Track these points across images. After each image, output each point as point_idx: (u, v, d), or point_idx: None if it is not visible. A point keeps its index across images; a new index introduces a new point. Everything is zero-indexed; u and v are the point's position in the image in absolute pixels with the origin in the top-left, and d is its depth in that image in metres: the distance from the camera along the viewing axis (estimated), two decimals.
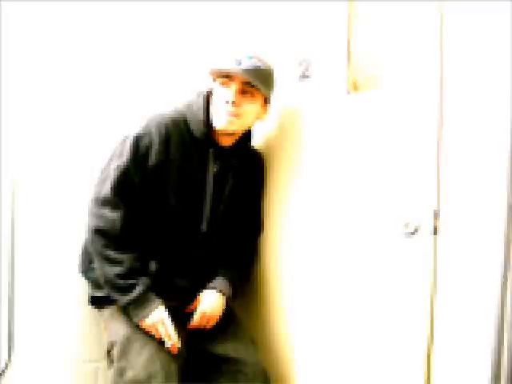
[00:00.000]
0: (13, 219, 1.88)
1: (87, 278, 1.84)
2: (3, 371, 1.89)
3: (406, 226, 1.41)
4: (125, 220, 1.68)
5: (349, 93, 1.63)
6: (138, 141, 1.70)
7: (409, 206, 1.42)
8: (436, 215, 1.37)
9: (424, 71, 1.39)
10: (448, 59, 1.34)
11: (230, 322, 1.83)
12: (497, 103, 1.23)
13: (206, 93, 1.77)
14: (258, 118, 1.79)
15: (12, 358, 1.90)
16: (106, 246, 1.67)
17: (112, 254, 1.67)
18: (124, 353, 1.65)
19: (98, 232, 1.68)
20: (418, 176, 1.40)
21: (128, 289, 1.66)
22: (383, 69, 1.52)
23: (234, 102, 1.69)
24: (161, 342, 1.66)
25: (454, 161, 1.33)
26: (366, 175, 1.55)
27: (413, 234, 1.40)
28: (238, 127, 1.75)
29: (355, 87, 1.61)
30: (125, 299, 1.66)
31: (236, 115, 1.71)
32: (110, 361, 1.70)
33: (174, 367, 1.65)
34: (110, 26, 2.04)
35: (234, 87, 1.70)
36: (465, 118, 1.30)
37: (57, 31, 1.96)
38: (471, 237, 1.29)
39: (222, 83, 1.72)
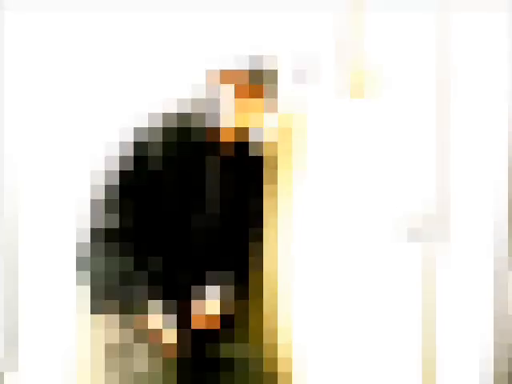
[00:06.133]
0: (16, 220, 1.91)
1: (87, 277, 1.83)
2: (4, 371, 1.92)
3: (406, 229, 1.46)
4: (125, 221, 1.71)
5: (347, 96, 1.65)
6: (138, 143, 1.73)
7: (408, 209, 1.46)
8: (436, 218, 1.41)
9: (426, 74, 1.44)
10: (449, 62, 1.39)
11: (231, 321, 1.84)
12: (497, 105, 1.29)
13: (205, 93, 1.78)
14: (259, 118, 1.79)
15: (15, 359, 1.93)
16: (107, 247, 1.71)
17: (112, 253, 1.70)
18: (124, 354, 1.68)
19: (99, 233, 1.71)
20: (419, 180, 1.45)
21: (128, 288, 1.69)
22: (384, 72, 1.55)
23: (234, 102, 1.71)
24: (161, 342, 1.69)
25: (455, 164, 1.38)
26: (366, 179, 1.59)
27: (413, 237, 1.44)
28: (239, 135, 1.77)
29: (354, 91, 1.63)
30: (125, 299, 1.69)
31: (236, 115, 1.72)
32: (110, 361, 1.73)
33: (174, 367, 1.68)
34: (108, 23, 2.02)
35: (234, 87, 1.71)
36: (465, 122, 1.36)
37: (55, 31, 1.96)
38: (471, 240, 1.34)
39: (223, 83, 1.73)
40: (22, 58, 1.93)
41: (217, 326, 1.79)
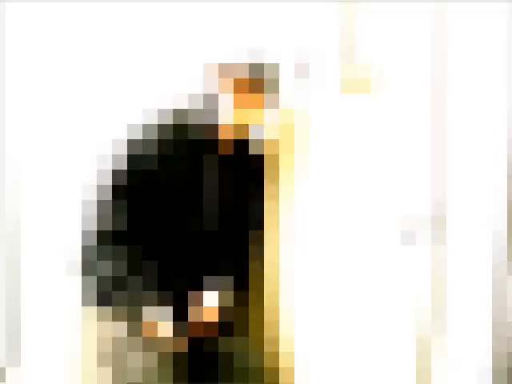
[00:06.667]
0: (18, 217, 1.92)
1: (86, 278, 1.82)
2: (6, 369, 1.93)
3: (405, 231, 1.48)
4: (125, 221, 1.70)
5: (345, 93, 1.63)
6: (135, 144, 1.71)
7: (407, 212, 1.49)
8: (435, 219, 1.43)
9: (424, 72, 1.44)
10: (447, 60, 1.39)
11: (230, 321, 1.82)
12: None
13: (203, 87, 1.76)
14: (258, 116, 1.76)
15: (17, 354, 1.94)
16: (106, 247, 1.70)
17: (111, 254, 1.70)
18: (123, 353, 1.68)
19: (98, 233, 1.71)
20: (416, 181, 1.47)
21: (127, 288, 1.68)
22: (381, 69, 1.55)
23: (233, 101, 1.68)
24: (159, 342, 1.68)
25: (452, 166, 1.39)
26: (365, 178, 1.59)
27: (411, 239, 1.47)
28: (238, 132, 1.74)
29: (352, 88, 1.61)
30: (124, 298, 1.69)
31: (235, 111, 1.70)
32: (109, 361, 1.73)
33: (172, 367, 1.68)
34: (103, 14, 2.00)
35: (233, 81, 1.68)
36: (463, 124, 1.37)
37: (57, 23, 1.96)
38: (468, 242, 1.37)
39: (221, 81, 1.70)
40: (23, 50, 1.94)
41: (215, 333, 1.78)
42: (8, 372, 1.92)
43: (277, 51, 1.81)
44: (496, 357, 1.31)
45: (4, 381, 1.90)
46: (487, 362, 1.33)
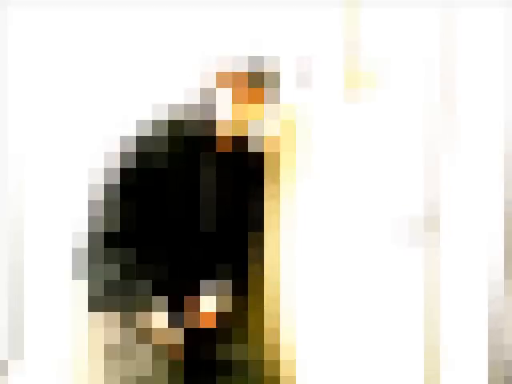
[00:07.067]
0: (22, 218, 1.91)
1: (85, 279, 1.82)
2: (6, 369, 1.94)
3: (401, 233, 1.50)
4: (126, 222, 1.70)
5: (349, 88, 1.62)
6: (135, 144, 1.69)
7: (410, 212, 1.50)
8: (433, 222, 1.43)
9: (422, 74, 1.47)
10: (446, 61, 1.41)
11: (230, 323, 1.82)
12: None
13: (200, 98, 1.72)
14: (258, 112, 1.72)
15: (20, 346, 1.95)
16: (107, 248, 1.69)
17: (112, 255, 1.69)
18: (123, 355, 1.70)
19: (99, 234, 1.70)
20: (415, 182, 1.49)
21: (128, 291, 1.68)
22: (381, 75, 1.56)
23: (232, 103, 1.65)
24: (160, 344, 1.70)
25: (451, 164, 1.40)
26: (361, 177, 1.62)
27: (408, 242, 1.50)
28: (236, 128, 1.71)
29: (357, 81, 1.61)
30: (125, 301, 1.69)
31: (233, 109, 1.67)
32: (109, 363, 1.74)
33: (172, 370, 1.69)
34: (100, 20, 1.95)
35: (232, 91, 1.65)
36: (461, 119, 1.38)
37: (59, 28, 1.93)
38: (463, 244, 1.39)
39: (219, 87, 1.67)
40: (25, 54, 1.93)
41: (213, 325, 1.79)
42: (10, 365, 1.93)
43: (277, 57, 1.75)
44: (492, 365, 1.28)
45: (6, 374, 1.90)
46: (483, 368, 1.31)
